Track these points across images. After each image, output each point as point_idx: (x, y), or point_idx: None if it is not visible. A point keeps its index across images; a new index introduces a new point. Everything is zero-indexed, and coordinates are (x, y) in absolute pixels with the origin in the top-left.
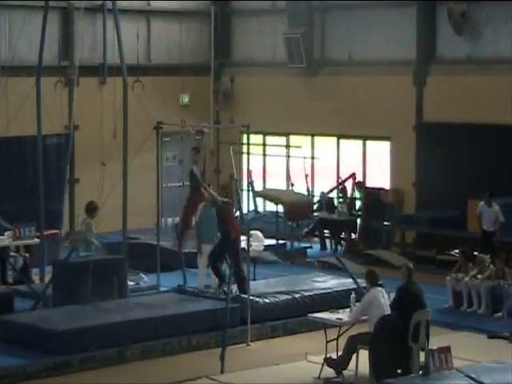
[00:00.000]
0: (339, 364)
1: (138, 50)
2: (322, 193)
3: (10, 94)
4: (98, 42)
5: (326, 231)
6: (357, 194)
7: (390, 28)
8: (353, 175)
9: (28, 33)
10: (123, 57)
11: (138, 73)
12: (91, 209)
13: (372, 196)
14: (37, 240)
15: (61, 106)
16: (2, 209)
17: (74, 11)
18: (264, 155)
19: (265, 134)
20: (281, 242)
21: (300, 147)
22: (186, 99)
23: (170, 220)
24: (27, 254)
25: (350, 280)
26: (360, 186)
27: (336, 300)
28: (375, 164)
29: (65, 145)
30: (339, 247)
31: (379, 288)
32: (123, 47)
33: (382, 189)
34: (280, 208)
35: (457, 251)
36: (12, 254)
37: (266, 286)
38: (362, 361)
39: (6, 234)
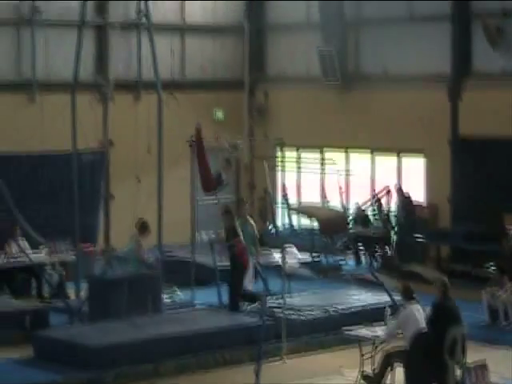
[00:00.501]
0: (374, 380)
1: (172, 65)
2: (357, 206)
3: (46, 110)
4: (132, 58)
5: (360, 246)
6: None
7: (424, 42)
8: (387, 189)
9: (63, 50)
10: (158, 73)
11: (173, 88)
12: (142, 227)
13: (408, 206)
14: (72, 256)
15: (96, 122)
16: (38, 225)
17: (109, 28)
18: (298, 170)
19: (299, 149)
20: (316, 257)
21: (334, 162)
22: (220, 114)
23: (204, 235)
24: (63, 270)
25: (385, 295)
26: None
27: (371, 315)
28: (410, 178)
29: (100, 161)
30: (374, 262)
31: (415, 303)
32: (158, 63)
33: (417, 204)
34: (315, 223)
35: (492, 266)
36: (48, 269)
37: (301, 301)
38: (397, 376)
39: (41, 249)
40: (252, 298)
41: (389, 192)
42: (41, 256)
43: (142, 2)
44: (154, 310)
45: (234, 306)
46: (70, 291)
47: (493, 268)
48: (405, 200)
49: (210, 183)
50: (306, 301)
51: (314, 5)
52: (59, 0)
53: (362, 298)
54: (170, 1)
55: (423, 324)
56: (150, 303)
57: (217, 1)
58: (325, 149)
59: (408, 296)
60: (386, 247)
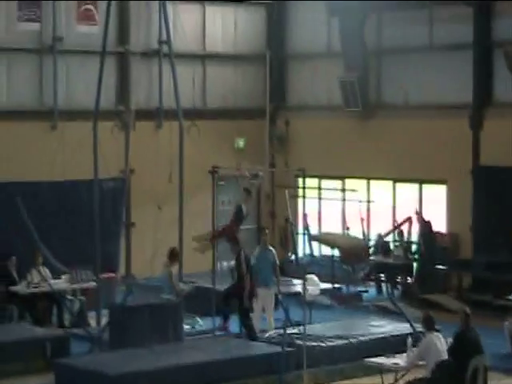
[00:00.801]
0: None
1: (193, 94)
2: (379, 235)
3: (67, 138)
4: (154, 86)
5: (381, 275)
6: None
7: (445, 71)
8: (409, 219)
9: (85, 77)
10: (179, 101)
11: (194, 117)
12: (173, 255)
13: (428, 234)
14: (93, 283)
15: (117, 151)
16: (59, 252)
17: (131, 56)
18: (319, 199)
19: (320, 178)
20: (336, 285)
21: (356, 191)
22: (241, 143)
23: (225, 264)
24: (84, 298)
25: (407, 324)
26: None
27: (392, 344)
28: (431, 207)
29: (121, 189)
30: (395, 291)
31: (436, 333)
32: (179, 91)
33: (438, 232)
34: (336, 252)
35: None
36: (69, 297)
37: (322, 330)
38: None
39: (62, 277)
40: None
41: (410, 221)
42: (62, 284)
43: (164, 31)
44: (175, 338)
45: (250, 334)
46: (91, 319)
47: None
48: (425, 227)
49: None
50: (326, 329)
51: (336, 34)
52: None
53: (383, 327)
54: (192, 29)
55: (444, 353)
56: (170, 331)
57: (238, 30)
58: (346, 177)
59: (430, 326)
60: (407, 276)
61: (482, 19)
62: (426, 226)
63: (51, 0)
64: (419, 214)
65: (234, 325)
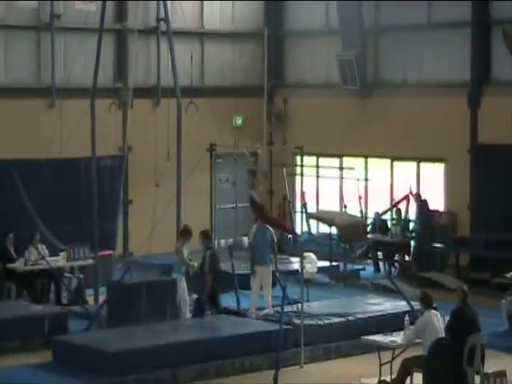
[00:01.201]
0: None
1: (191, 71)
2: (376, 213)
3: (65, 116)
4: (151, 64)
5: (379, 253)
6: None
7: (444, 50)
8: (406, 197)
9: (83, 55)
10: (177, 79)
11: (192, 94)
12: (185, 232)
13: (425, 212)
14: (91, 261)
15: (115, 128)
16: (57, 230)
17: (129, 33)
18: (317, 177)
19: (318, 156)
20: (334, 263)
21: (353, 169)
22: (239, 121)
23: (223, 241)
24: (81, 275)
25: (404, 302)
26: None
27: (390, 322)
28: (429, 186)
29: (119, 166)
30: (393, 269)
31: (433, 311)
32: (177, 69)
33: (436, 211)
34: (333, 230)
35: None
36: (66, 274)
37: (320, 309)
38: None
39: (60, 254)
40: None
41: (408, 199)
42: (60, 261)
43: (162, 8)
44: (173, 316)
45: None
46: (89, 297)
47: None
48: (421, 206)
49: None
50: (324, 308)
51: (334, 11)
52: (79, 2)
53: (380, 305)
54: (190, 7)
55: (442, 331)
56: (169, 309)
57: (236, 7)
58: (344, 156)
59: (428, 304)
60: (405, 254)
61: None
62: (422, 204)
63: None
64: (414, 194)
65: (231, 302)
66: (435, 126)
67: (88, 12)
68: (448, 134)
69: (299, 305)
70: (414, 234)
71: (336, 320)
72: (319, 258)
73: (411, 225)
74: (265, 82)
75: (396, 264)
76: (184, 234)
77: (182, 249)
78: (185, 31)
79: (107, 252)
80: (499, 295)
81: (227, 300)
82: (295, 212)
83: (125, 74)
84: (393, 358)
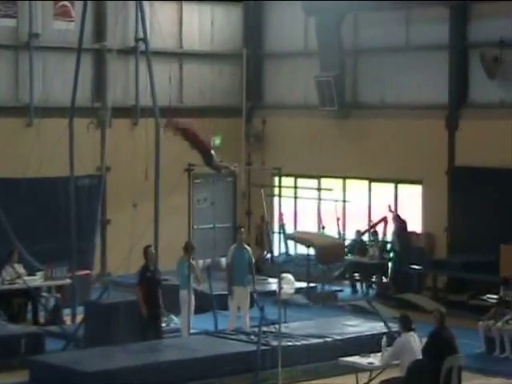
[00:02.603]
0: None
1: (170, 91)
2: (358, 231)
3: (43, 134)
4: (130, 83)
5: (357, 274)
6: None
7: (422, 72)
8: (384, 218)
9: (61, 74)
10: (156, 98)
11: (170, 114)
12: (188, 248)
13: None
14: (68, 280)
15: (93, 147)
16: (34, 249)
17: (107, 53)
18: (295, 198)
19: (296, 177)
20: (312, 284)
21: (331, 190)
22: (217, 141)
23: (201, 262)
24: (59, 295)
25: (381, 324)
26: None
27: (367, 344)
28: (407, 208)
29: (97, 186)
30: (370, 291)
31: (411, 332)
32: (155, 89)
33: (413, 232)
34: (311, 251)
35: (491, 296)
36: (44, 294)
37: (297, 329)
38: None
39: (37, 274)
40: None
41: (386, 221)
42: (37, 281)
43: (141, 28)
44: (151, 336)
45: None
46: (66, 316)
47: (490, 298)
48: (400, 227)
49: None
50: (302, 329)
51: (312, 33)
52: (57, 21)
53: (358, 326)
54: (168, 27)
55: (419, 353)
56: None
57: (215, 28)
58: (322, 177)
59: (406, 326)
60: (382, 276)
61: (458, 20)
62: (401, 225)
63: None
64: (393, 211)
65: (208, 323)
66: (413, 147)
67: (67, 31)
68: (426, 156)
69: (277, 325)
70: (391, 256)
71: (314, 341)
72: (297, 279)
73: (388, 246)
74: (243, 102)
75: (373, 285)
76: (187, 249)
77: (192, 263)
78: (164, 51)
79: (85, 271)
80: (476, 317)
81: (205, 321)
82: (273, 233)
83: (103, 94)
84: (370, 380)
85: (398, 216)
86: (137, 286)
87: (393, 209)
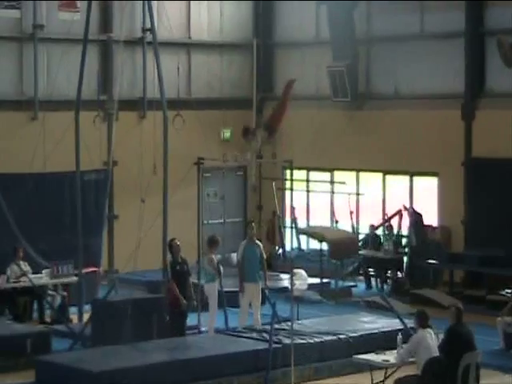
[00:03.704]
0: None
1: (178, 83)
2: (372, 226)
3: (48, 128)
4: (137, 75)
5: (371, 269)
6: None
7: (437, 60)
8: (399, 212)
9: (66, 66)
10: (163, 91)
11: (179, 107)
12: (212, 242)
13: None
14: (75, 278)
15: (99, 141)
16: (40, 246)
17: (114, 44)
18: (307, 191)
19: (308, 170)
20: (325, 280)
21: (344, 183)
22: (227, 134)
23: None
24: (65, 293)
25: (397, 320)
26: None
27: (382, 341)
28: (422, 200)
29: (103, 180)
30: (385, 286)
31: (428, 329)
32: (163, 81)
33: (429, 226)
34: (324, 246)
35: (508, 291)
36: (50, 292)
37: (310, 327)
38: None
39: (43, 272)
40: None
41: (401, 214)
42: (43, 278)
43: (148, 19)
44: (159, 335)
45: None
46: (73, 315)
47: (508, 293)
48: (416, 220)
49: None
50: (315, 326)
51: (324, 22)
52: (62, 12)
53: (372, 323)
54: (176, 17)
55: (436, 350)
56: (154, 327)
57: (224, 17)
58: (335, 169)
59: (423, 322)
60: (398, 271)
61: (474, 7)
62: (417, 218)
63: None
64: (408, 208)
65: (219, 321)
66: (428, 138)
67: (72, 22)
68: (441, 147)
69: (289, 323)
70: (406, 250)
71: (327, 338)
72: (310, 275)
73: (404, 240)
74: (253, 93)
75: (388, 281)
76: (211, 244)
77: (212, 258)
78: (171, 42)
79: (92, 269)
80: (494, 313)
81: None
82: (285, 227)
83: (110, 86)
84: (385, 378)
85: (414, 209)
86: (170, 282)
87: (408, 207)
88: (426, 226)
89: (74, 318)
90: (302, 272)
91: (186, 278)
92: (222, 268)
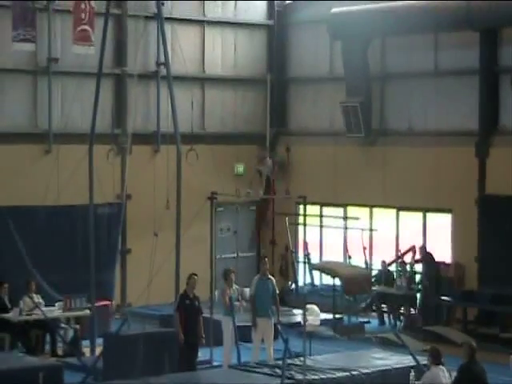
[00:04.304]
0: None
1: (192, 117)
2: (383, 262)
3: (62, 161)
4: (151, 109)
5: (384, 306)
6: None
7: (451, 98)
8: (412, 248)
9: (80, 100)
10: (177, 125)
11: (192, 141)
12: (226, 275)
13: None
14: (87, 311)
15: (113, 175)
16: (53, 279)
17: (128, 78)
18: (321, 227)
19: (322, 205)
20: (338, 316)
21: (358, 219)
22: (240, 169)
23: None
24: (78, 326)
25: (410, 357)
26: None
27: (395, 378)
28: (436, 237)
29: (117, 214)
30: (398, 322)
31: (440, 366)
32: (177, 115)
33: (443, 263)
34: (337, 281)
35: None
36: (62, 325)
37: (323, 362)
38: None
39: (56, 305)
40: None
41: (414, 250)
42: (55, 311)
43: (162, 53)
44: (171, 369)
45: None
46: (85, 348)
47: None
48: (427, 259)
49: None
50: (327, 362)
51: (338, 58)
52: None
53: (385, 359)
54: (190, 52)
55: None
56: (166, 362)
57: (238, 52)
58: (348, 205)
59: (436, 359)
60: (411, 307)
61: (488, 45)
62: (428, 257)
63: (47, 20)
64: (420, 247)
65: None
66: (442, 175)
67: (86, 56)
68: (455, 184)
69: (302, 358)
70: (419, 287)
71: (340, 375)
72: (322, 311)
73: (417, 277)
74: (267, 129)
75: (401, 317)
76: (226, 276)
77: (225, 288)
78: (185, 76)
79: (104, 302)
80: (508, 351)
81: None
82: (298, 262)
83: (124, 120)
84: None
85: (425, 248)
86: (175, 312)
87: (419, 244)
88: (439, 262)
89: (87, 351)
90: (315, 307)
91: (194, 315)
92: (237, 304)
